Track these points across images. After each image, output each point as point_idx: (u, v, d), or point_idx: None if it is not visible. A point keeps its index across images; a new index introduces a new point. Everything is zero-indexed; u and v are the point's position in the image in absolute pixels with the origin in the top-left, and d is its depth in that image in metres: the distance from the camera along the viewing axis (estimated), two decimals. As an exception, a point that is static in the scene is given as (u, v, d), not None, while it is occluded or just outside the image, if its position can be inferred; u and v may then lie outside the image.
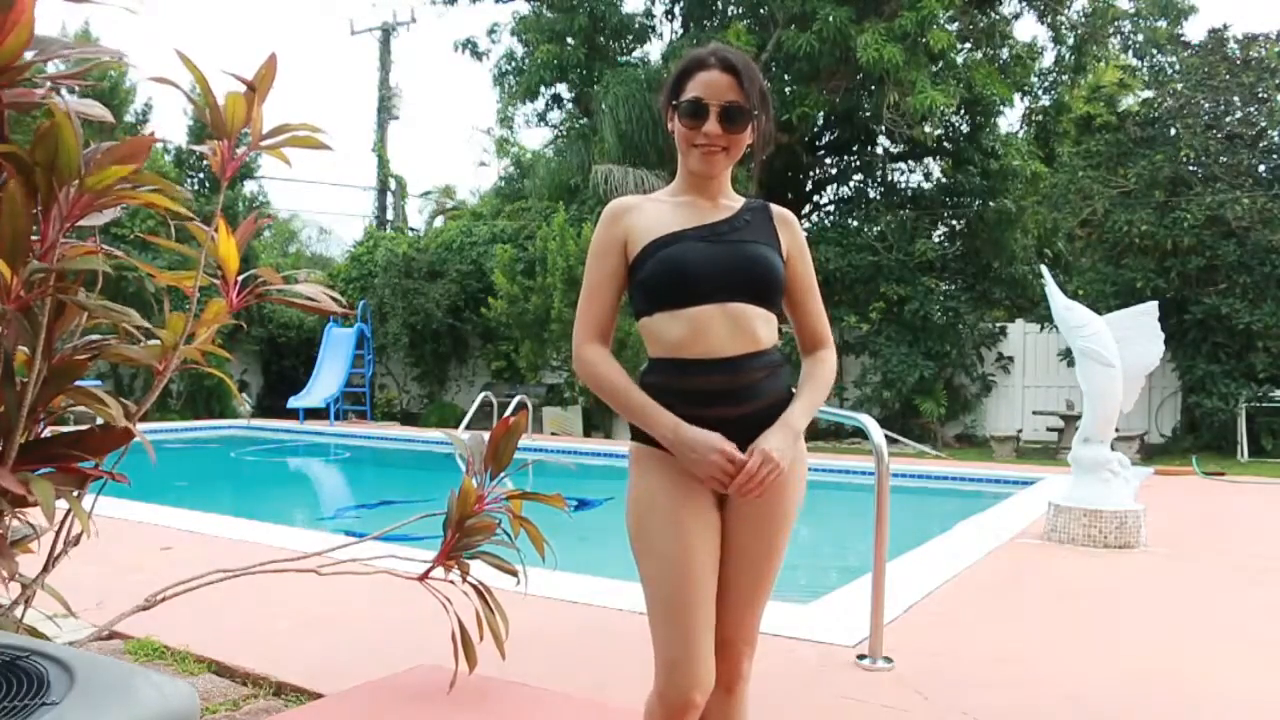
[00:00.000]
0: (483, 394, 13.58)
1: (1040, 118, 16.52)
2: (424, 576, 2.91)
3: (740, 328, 1.80)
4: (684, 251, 1.81)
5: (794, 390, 1.89)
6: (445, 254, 17.18)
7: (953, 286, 14.88)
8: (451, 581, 2.91)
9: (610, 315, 1.89)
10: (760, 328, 1.83)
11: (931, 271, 14.78)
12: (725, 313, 1.80)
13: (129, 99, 15.91)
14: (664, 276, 1.81)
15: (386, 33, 25.88)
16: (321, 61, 54.01)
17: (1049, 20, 15.83)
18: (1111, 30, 15.50)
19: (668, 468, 1.80)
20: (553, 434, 14.32)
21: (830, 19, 13.30)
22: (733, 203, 1.93)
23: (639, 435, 1.86)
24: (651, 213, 1.88)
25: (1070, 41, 15.75)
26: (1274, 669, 3.46)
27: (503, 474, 2.91)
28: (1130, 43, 15.66)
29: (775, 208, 1.97)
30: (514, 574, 2.91)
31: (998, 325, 14.91)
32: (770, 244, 1.88)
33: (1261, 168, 12.68)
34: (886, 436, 3.73)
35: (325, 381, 16.16)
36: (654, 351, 1.86)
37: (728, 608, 1.85)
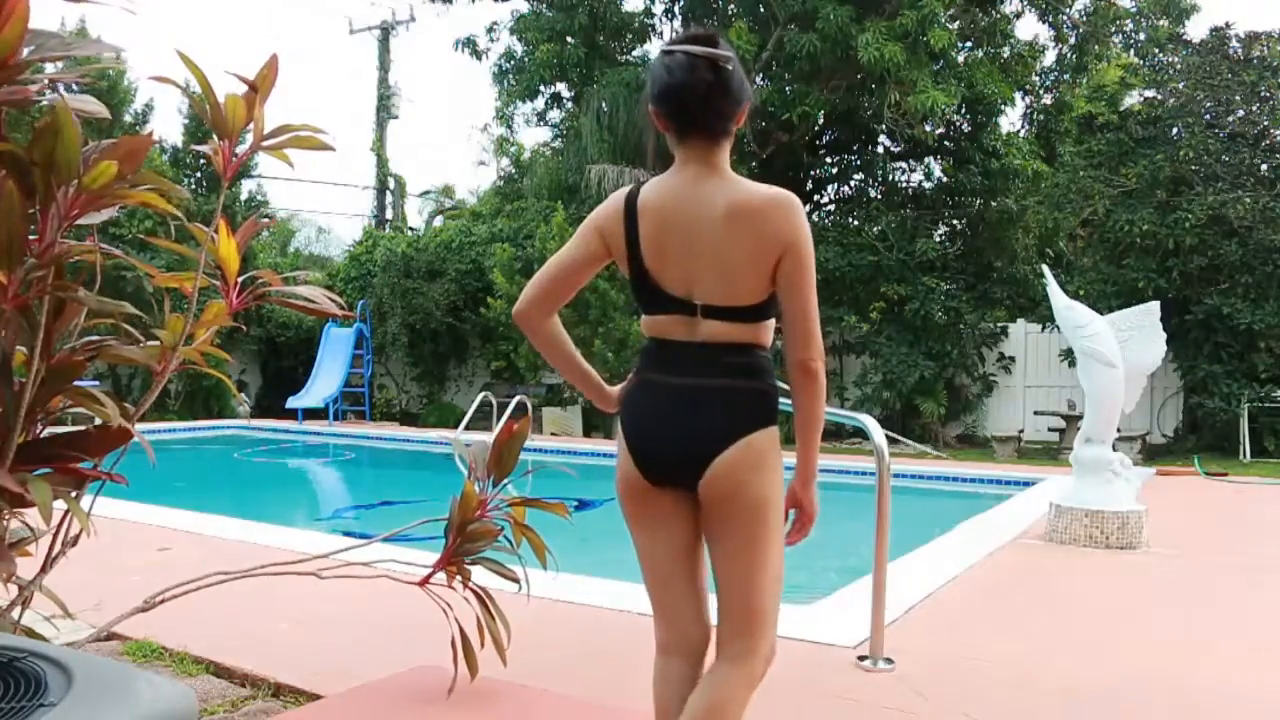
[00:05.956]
0: (482, 394, 13.54)
1: (1041, 117, 16.48)
2: (424, 581, 2.89)
3: None
4: None
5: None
6: (444, 253, 17.15)
7: (953, 286, 14.84)
8: (452, 587, 2.89)
9: None
10: None
11: (932, 271, 14.75)
12: None
13: (128, 98, 15.89)
14: None
15: (385, 31, 25.86)
16: (320, 60, 53.95)
17: (1050, 19, 15.81)
18: (1113, 29, 15.49)
19: None
20: (553, 434, 14.31)
21: (831, 18, 13.27)
22: None
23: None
24: None
25: (1072, 40, 15.72)
26: (1276, 670, 3.45)
27: (505, 480, 2.89)
28: (1132, 41, 15.64)
29: None
30: (516, 580, 2.89)
31: (999, 325, 14.88)
32: None
33: (1264, 167, 12.65)
34: (887, 436, 3.72)
35: (324, 381, 16.13)
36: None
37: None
